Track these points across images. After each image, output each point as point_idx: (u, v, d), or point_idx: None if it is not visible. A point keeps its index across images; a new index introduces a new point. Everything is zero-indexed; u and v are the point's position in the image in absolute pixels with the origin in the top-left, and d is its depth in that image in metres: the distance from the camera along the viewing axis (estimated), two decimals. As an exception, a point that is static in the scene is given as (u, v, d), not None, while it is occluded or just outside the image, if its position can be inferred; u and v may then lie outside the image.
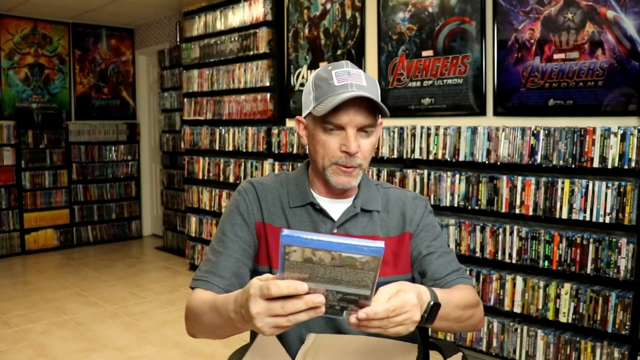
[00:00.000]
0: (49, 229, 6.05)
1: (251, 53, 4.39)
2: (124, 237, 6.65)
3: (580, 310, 2.58)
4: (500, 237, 2.84)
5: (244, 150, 4.45)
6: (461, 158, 2.99)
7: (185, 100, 5.15)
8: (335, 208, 1.29)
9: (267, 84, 4.29)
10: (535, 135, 2.70)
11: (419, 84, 3.33)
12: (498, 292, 2.85)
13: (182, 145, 5.27)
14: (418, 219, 1.31)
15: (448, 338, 3.07)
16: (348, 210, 1.28)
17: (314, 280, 0.80)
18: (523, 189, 2.75)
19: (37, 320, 3.84)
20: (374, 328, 0.87)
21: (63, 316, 3.91)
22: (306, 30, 4.06)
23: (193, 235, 5.01)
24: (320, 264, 0.78)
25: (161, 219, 6.38)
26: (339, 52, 3.83)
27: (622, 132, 2.44)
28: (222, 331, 1.09)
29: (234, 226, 1.27)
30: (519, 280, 2.77)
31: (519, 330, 2.80)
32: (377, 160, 3.41)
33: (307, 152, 1.30)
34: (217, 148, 4.75)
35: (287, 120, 4.33)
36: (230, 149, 4.59)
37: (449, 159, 3.04)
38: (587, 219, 2.54)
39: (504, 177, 2.82)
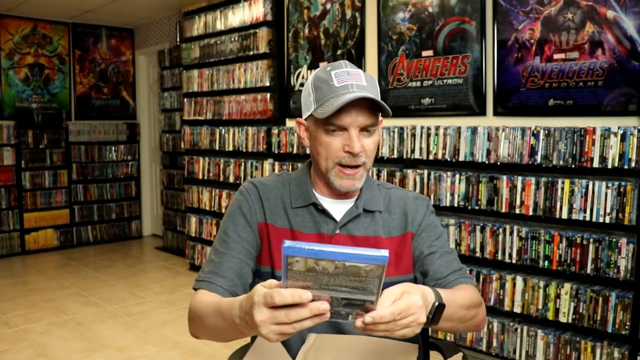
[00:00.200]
0: (49, 229, 6.05)
1: (251, 53, 4.39)
2: (124, 237, 6.65)
3: (580, 310, 2.58)
4: (500, 237, 2.84)
5: (244, 150, 4.46)
6: (461, 158, 2.99)
7: (185, 100, 5.15)
8: (338, 208, 1.29)
9: (267, 84, 4.29)
10: (535, 135, 2.70)
11: (419, 84, 3.33)
12: (498, 292, 2.85)
13: (182, 145, 5.27)
14: (420, 219, 1.31)
15: (448, 338, 3.07)
16: (350, 210, 1.28)
17: (318, 287, 0.79)
18: (523, 189, 2.75)
19: (37, 320, 3.84)
20: (380, 331, 0.86)
21: (63, 316, 3.92)
22: (306, 30, 4.06)
23: (193, 235, 5.01)
24: (324, 272, 0.77)
25: (161, 219, 6.38)
26: (339, 52, 3.83)
27: (622, 132, 2.44)
28: (227, 335, 1.09)
29: (237, 227, 1.27)
30: (519, 280, 2.77)
31: (519, 330, 2.80)
32: (377, 160, 3.41)
33: (309, 153, 1.29)
34: (217, 148, 4.75)
35: (287, 120, 4.33)
36: (230, 149, 4.59)
37: (449, 159, 3.05)
38: (587, 219, 2.54)
39: (504, 177, 2.82)
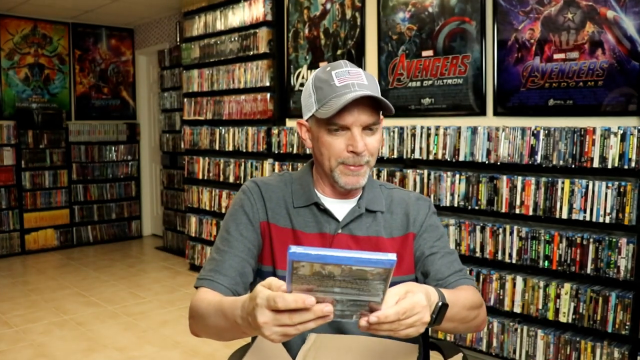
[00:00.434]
0: (49, 229, 6.05)
1: (251, 53, 4.39)
2: (124, 237, 6.65)
3: (580, 310, 2.58)
4: (500, 237, 2.84)
5: (244, 150, 4.46)
6: (461, 158, 2.99)
7: (185, 100, 5.15)
8: (340, 208, 1.29)
9: (267, 84, 4.29)
10: (535, 135, 2.70)
11: (419, 84, 3.33)
12: (498, 292, 2.85)
13: (182, 145, 5.27)
14: (422, 219, 1.31)
15: (448, 338, 3.07)
16: (353, 210, 1.28)
17: (323, 289, 0.79)
18: (523, 189, 2.75)
19: (37, 320, 3.84)
20: (385, 331, 0.86)
21: (63, 316, 3.92)
22: (306, 30, 4.06)
23: (193, 235, 5.01)
24: (330, 276, 0.76)
25: (161, 219, 6.38)
26: (339, 52, 3.83)
27: (622, 132, 2.44)
28: (228, 334, 1.08)
29: (239, 225, 1.27)
30: (519, 280, 2.77)
31: (519, 330, 2.80)
32: (377, 160, 3.39)
33: (312, 153, 1.29)
34: (217, 148, 4.75)
35: (287, 120, 4.33)
36: (230, 149, 4.59)
37: (449, 159, 3.05)
38: (587, 219, 2.54)
39: (504, 177, 2.82)
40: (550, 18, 2.73)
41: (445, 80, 3.20)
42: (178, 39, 5.82)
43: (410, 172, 3.19)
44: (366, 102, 1.16)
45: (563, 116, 2.75)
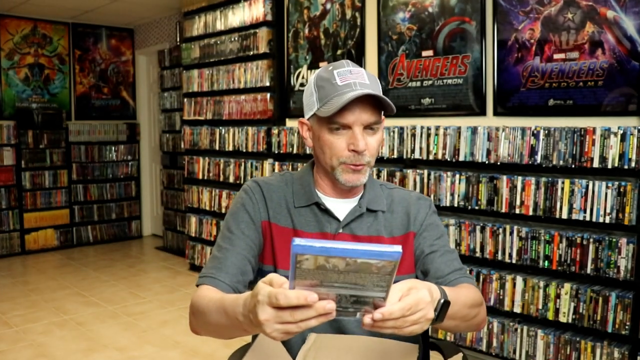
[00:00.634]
0: (49, 229, 6.05)
1: (251, 53, 4.39)
2: (124, 237, 6.65)
3: (580, 310, 2.58)
4: (500, 237, 2.84)
5: (244, 150, 4.46)
6: (461, 158, 2.99)
7: (185, 100, 5.15)
8: (341, 208, 1.29)
9: (267, 84, 4.29)
10: (535, 135, 2.70)
11: (419, 84, 3.33)
12: (498, 292, 2.85)
13: (182, 145, 5.27)
14: (422, 218, 1.32)
15: (448, 338, 3.07)
16: (354, 210, 1.28)
17: (326, 284, 0.77)
18: (523, 189, 2.75)
19: (37, 320, 3.84)
20: (389, 328, 0.85)
21: (63, 316, 3.92)
22: (306, 30, 4.06)
23: (193, 235, 5.01)
24: (334, 270, 0.75)
25: (161, 219, 6.38)
26: (339, 52, 3.83)
27: (622, 132, 2.44)
28: (229, 332, 1.07)
29: (240, 224, 1.27)
30: (519, 280, 2.77)
31: (519, 330, 2.80)
32: (377, 160, 3.37)
33: (313, 152, 1.29)
34: (217, 148, 4.75)
35: (287, 120, 4.33)
36: (230, 149, 4.59)
37: (449, 159, 3.05)
38: (587, 219, 2.54)
39: (504, 177, 2.82)
40: (550, 18, 2.73)
41: (445, 80, 3.21)
42: (178, 39, 5.82)
43: (410, 172, 3.19)
44: (368, 101, 1.16)
45: (563, 116, 2.75)
